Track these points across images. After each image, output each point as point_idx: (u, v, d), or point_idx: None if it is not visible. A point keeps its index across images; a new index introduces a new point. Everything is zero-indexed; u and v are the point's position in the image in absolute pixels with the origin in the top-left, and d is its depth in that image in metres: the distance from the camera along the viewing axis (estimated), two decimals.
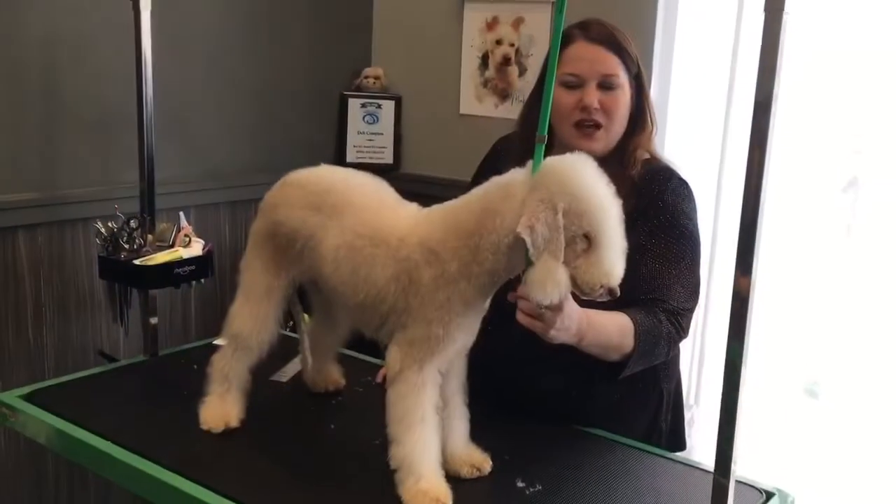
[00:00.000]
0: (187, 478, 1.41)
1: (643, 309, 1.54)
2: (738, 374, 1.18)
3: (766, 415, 2.34)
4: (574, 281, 1.26)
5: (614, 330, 1.48)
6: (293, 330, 1.92)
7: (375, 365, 1.86)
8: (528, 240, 1.22)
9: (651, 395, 1.70)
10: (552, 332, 1.35)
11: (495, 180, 1.32)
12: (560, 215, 1.22)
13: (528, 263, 1.25)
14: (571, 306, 1.36)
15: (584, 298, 1.31)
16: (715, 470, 1.22)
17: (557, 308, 1.32)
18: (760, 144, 1.12)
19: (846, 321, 2.31)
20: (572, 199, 1.24)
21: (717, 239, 2.25)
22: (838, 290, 2.31)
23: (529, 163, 1.28)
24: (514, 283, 1.34)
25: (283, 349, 1.85)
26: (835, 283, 2.31)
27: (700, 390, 2.37)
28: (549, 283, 1.23)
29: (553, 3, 2.43)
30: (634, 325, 1.50)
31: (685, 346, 1.79)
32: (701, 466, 1.53)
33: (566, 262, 1.24)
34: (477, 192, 1.33)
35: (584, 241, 1.25)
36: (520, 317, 1.35)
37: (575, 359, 1.53)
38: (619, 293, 1.27)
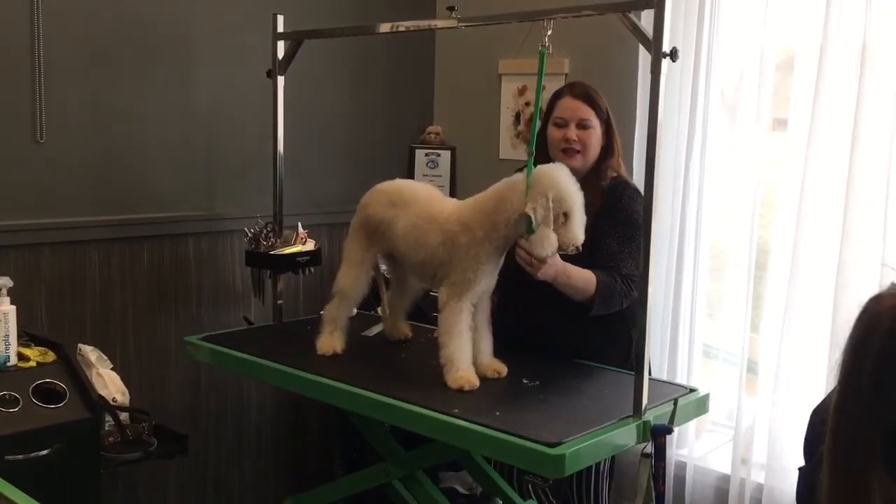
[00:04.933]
0: (300, 369, 2.21)
1: (606, 272, 2.30)
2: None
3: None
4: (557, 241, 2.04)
5: (581, 277, 2.20)
6: (375, 311, 2.73)
7: (431, 329, 2.61)
8: (532, 216, 1.98)
9: (621, 338, 2.39)
10: (539, 274, 2.10)
11: (505, 180, 2.12)
12: (550, 201, 2.00)
13: (528, 231, 2.01)
14: (555, 259, 2.11)
15: (561, 254, 2.09)
16: (635, 373, 1.95)
17: (544, 260, 2.08)
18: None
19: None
20: (556, 190, 2.00)
21: (683, 246, 2.99)
22: None
23: (525, 169, 2.09)
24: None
25: (369, 321, 2.68)
26: None
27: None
28: (545, 242, 2.00)
29: (566, 74, 3.26)
30: (597, 278, 2.23)
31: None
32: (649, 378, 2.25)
33: (553, 230, 2.01)
34: (494, 187, 2.12)
35: (563, 217, 2.02)
36: (519, 260, 2.09)
37: (562, 311, 2.28)
38: (581, 249, 2.04)
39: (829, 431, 1.20)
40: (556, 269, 2.13)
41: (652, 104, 1.88)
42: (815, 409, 1.56)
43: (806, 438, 1.54)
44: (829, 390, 1.25)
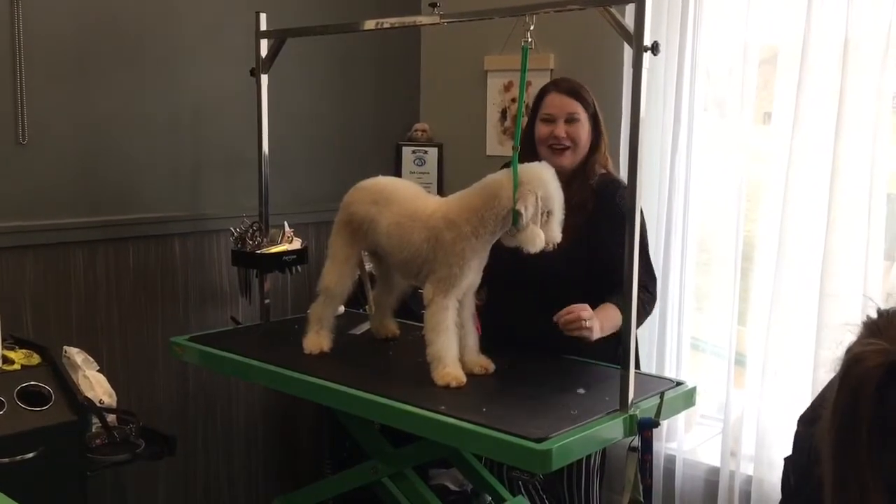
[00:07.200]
0: (288, 368, 2.21)
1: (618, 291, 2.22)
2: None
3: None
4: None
5: (614, 315, 2.17)
6: (363, 309, 2.71)
7: (419, 327, 2.60)
8: (524, 213, 2.00)
9: (612, 335, 2.41)
10: (586, 333, 2.12)
11: (490, 176, 2.11)
12: (538, 199, 2.02)
13: (514, 224, 2.02)
14: (586, 313, 2.13)
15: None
16: (621, 368, 1.96)
17: (582, 318, 2.11)
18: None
19: None
20: (543, 190, 2.03)
21: (670, 240, 2.99)
22: None
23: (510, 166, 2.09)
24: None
25: (356, 319, 2.67)
26: None
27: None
28: (536, 239, 2.02)
29: (551, 70, 3.26)
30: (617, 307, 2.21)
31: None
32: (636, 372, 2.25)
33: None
34: (480, 184, 2.12)
35: (546, 215, 2.04)
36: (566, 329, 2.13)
37: (554, 310, 2.24)
38: (557, 246, 2.06)
39: (830, 486, 1.18)
40: (593, 323, 2.15)
41: (634, 98, 1.88)
42: (801, 418, 1.52)
43: (794, 460, 1.50)
44: (816, 395, 1.23)
